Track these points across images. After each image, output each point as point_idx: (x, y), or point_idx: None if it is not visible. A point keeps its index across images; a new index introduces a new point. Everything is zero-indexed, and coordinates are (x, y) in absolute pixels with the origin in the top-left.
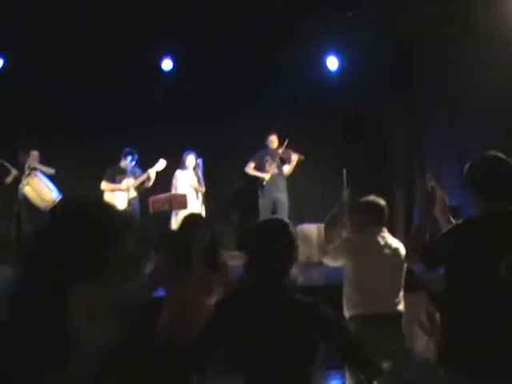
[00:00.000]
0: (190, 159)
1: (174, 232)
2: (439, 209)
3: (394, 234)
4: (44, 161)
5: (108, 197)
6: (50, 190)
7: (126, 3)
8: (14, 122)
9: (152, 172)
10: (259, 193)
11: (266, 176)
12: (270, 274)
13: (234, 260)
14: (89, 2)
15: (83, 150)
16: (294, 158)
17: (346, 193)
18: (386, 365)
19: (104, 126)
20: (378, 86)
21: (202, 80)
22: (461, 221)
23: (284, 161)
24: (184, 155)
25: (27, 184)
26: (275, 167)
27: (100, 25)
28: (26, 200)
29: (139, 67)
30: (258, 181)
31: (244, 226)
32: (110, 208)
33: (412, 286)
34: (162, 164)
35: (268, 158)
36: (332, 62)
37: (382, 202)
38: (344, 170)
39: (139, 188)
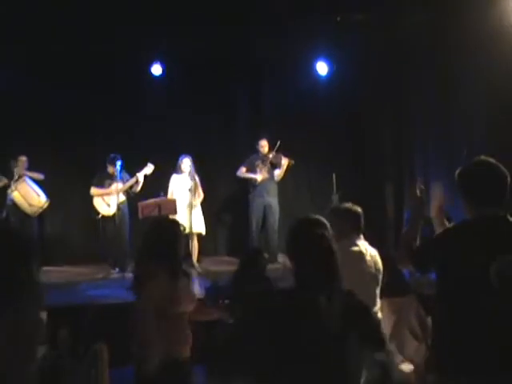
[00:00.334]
0: (186, 163)
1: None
2: (435, 210)
3: (384, 236)
4: (32, 166)
5: (97, 202)
6: (38, 195)
7: (115, 8)
8: (3, 129)
9: (140, 176)
10: (250, 197)
11: (258, 177)
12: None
13: (224, 265)
14: (77, 9)
15: (72, 155)
16: (284, 162)
17: (335, 197)
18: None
19: (93, 131)
20: (368, 91)
21: (192, 85)
22: (451, 225)
23: (275, 165)
24: (179, 159)
25: (15, 189)
26: (266, 172)
27: (88, 30)
28: (14, 205)
29: (128, 72)
30: (249, 185)
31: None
32: (17, 232)
33: (401, 290)
34: (149, 168)
35: (259, 162)
36: (321, 67)
37: (359, 210)
38: (333, 175)
39: (128, 192)
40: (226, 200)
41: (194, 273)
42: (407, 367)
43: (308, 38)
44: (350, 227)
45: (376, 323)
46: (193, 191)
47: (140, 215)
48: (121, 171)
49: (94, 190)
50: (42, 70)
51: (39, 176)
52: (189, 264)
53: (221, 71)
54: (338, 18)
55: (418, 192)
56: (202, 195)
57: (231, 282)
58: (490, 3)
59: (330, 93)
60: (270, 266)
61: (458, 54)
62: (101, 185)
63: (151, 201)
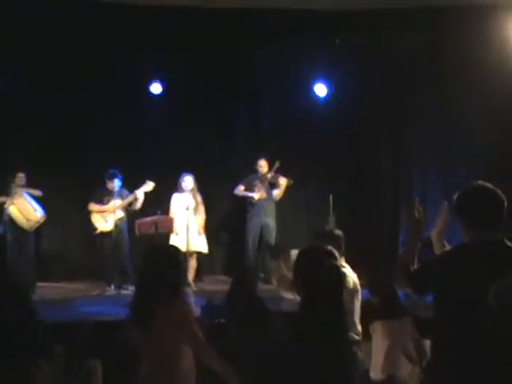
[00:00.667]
0: (187, 181)
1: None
2: (437, 231)
3: (380, 258)
4: (30, 182)
5: (95, 218)
6: (35, 210)
7: (115, 26)
8: (0, 144)
9: (139, 193)
10: (248, 217)
11: (256, 195)
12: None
13: (220, 285)
14: (77, 25)
15: (70, 171)
16: (283, 182)
17: (332, 219)
18: None
19: (92, 147)
20: (366, 111)
21: (191, 104)
22: (449, 248)
23: (273, 185)
24: (181, 177)
25: (12, 203)
26: (264, 191)
27: (88, 48)
28: (11, 220)
29: (128, 90)
30: (247, 204)
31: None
32: None
33: (396, 312)
34: (149, 185)
35: (257, 182)
36: (320, 89)
37: (340, 233)
38: (330, 196)
39: (127, 209)
40: (223, 219)
41: (189, 291)
42: None
43: (307, 60)
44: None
45: None
46: (193, 210)
47: (137, 233)
48: (120, 187)
49: (92, 206)
50: (44, 86)
51: (38, 192)
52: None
53: (220, 91)
54: (337, 41)
55: (416, 213)
56: (203, 215)
57: (225, 301)
58: (488, 24)
59: (329, 114)
60: (265, 287)
61: (457, 75)
62: (99, 201)
63: (148, 219)
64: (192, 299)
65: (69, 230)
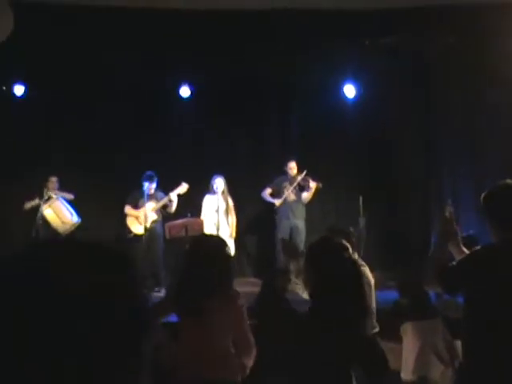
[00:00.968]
0: (218, 183)
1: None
2: (444, 234)
3: (410, 259)
4: (63, 186)
5: (130, 220)
6: (71, 214)
7: (143, 31)
8: (34, 149)
9: (173, 195)
10: (277, 219)
11: (277, 202)
12: None
13: (250, 287)
14: (105, 30)
15: (103, 175)
16: (313, 185)
17: (362, 220)
18: None
19: (123, 151)
20: (395, 113)
21: (220, 107)
22: (478, 248)
23: (303, 188)
24: (212, 179)
25: (49, 207)
26: (293, 194)
27: (118, 52)
28: (44, 224)
29: (157, 94)
30: (275, 206)
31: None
32: None
33: (427, 313)
34: (183, 188)
35: (286, 184)
36: (349, 90)
37: (352, 229)
38: (360, 198)
39: (161, 212)
40: (253, 221)
41: None
42: None
43: (336, 61)
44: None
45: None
46: (224, 212)
47: (167, 235)
48: (156, 190)
49: (127, 209)
50: (75, 91)
51: (70, 196)
52: None
53: (249, 93)
54: (367, 42)
55: (447, 214)
56: (234, 217)
57: (255, 303)
58: None
59: (358, 116)
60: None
61: (487, 78)
62: (135, 203)
63: (178, 221)
64: None
65: (101, 232)
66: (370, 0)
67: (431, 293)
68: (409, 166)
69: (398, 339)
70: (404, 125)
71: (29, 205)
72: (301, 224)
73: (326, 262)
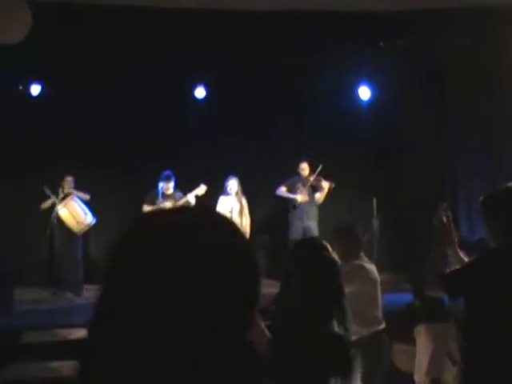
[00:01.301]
0: (232, 184)
1: None
2: (442, 238)
3: (422, 262)
4: (79, 186)
5: None
6: (85, 214)
7: (159, 32)
8: (49, 149)
9: (191, 197)
10: (289, 220)
11: (298, 197)
12: None
13: (263, 287)
14: (121, 32)
15: (118, 175)
16: (325, 185)
17: (375, 222)
18: None
19: (140, 152)
20: (410, 115)
21: (234, 108)
22: (479, 254)
23: (315, 188)
24: (226, 180)
25: (64, 206)
26: (306, 194)
27: (133, 54)
28: (59, 223)
29: (173, 95)
30: (289, 206)
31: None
32: None
33: (440, 316)
34: (202, 189)
35: (299, 185)
36: (364, 92)
37: (359, 228)
38: (374, 199)
39: None
40: (266, 222)
41: None
42: None
43: (351, 63)
44: (358, 246)
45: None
46: (238, 213)
47: None
48: (175, 190)
49: (145, 208)
50: (92, 91)
51: (86, 196)
52: None
53: (263, 94)
54: (381, 43)
55: (444, 218)
56: (248, 218)
57: (272, 303)
58: None
59: (372, 117)
60: None
61: (502, 80)
62: (152, 203)
63: None
64: None
65: (116, 232)
66: (384, 2)
67: (444, 296)
68: (423, 167)
69: (411, 341)
70: (418, 126)
71: (45, 205)
72: (314, 225)
73: (304, 261)
